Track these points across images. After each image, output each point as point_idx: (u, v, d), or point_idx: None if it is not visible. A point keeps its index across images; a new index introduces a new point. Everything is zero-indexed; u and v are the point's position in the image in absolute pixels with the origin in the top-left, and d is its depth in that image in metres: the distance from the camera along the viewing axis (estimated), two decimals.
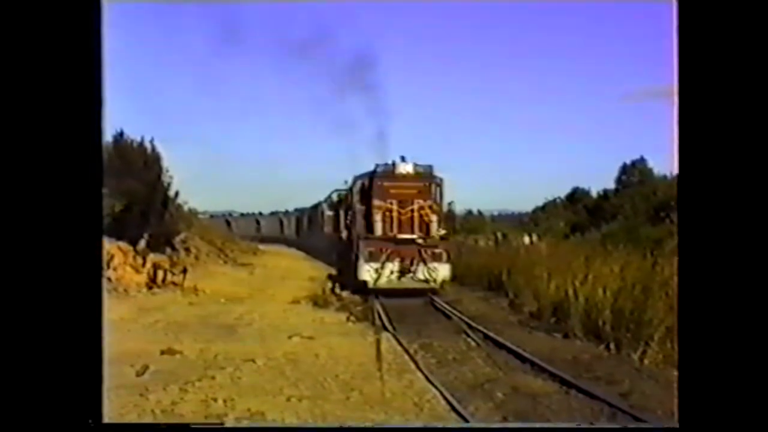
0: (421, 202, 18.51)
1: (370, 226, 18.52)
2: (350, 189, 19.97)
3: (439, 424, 6.35)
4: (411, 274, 17.71)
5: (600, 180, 67.21)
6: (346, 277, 19.07)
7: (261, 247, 36.69)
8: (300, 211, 41.66)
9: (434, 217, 18.53)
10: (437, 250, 17.99)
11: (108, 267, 16.14)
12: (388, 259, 17.70)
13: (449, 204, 19.76)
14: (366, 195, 18.95)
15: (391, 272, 17.65)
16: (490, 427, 6.26)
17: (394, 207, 18.44)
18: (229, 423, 6.55)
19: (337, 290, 18.09)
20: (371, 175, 18.89)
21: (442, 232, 18.52)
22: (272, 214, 52.48)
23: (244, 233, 46.78)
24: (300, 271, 24.39)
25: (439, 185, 18.98)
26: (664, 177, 30.13)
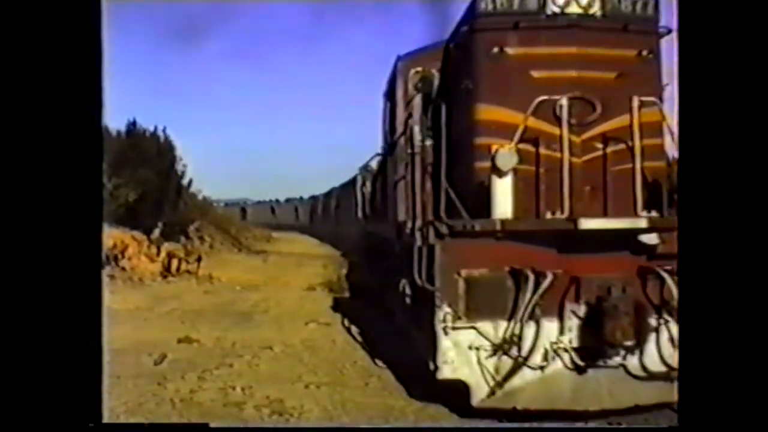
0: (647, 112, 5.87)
1: (468, 197, 6.06)
2: (386, 96, 8.70)
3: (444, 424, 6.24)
4: (626, 355, 5.62)
5: None
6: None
7: (275, 234, 36.72)
8: (327, 194, 33.40)
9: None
10: None
11: (122, 256, 16.23)
12: (544, 307, 5.58)
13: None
14: (452, 99, 6.42)
15: (556, 350, 5.66)
16: (490, 427, 6.15)
17: (564, 129, 5.76)
18: (249, 411, 6.51)
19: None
20: (460, 32, 6.47)
21: None
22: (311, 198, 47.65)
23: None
24: (314, 258, 24.34)
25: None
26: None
